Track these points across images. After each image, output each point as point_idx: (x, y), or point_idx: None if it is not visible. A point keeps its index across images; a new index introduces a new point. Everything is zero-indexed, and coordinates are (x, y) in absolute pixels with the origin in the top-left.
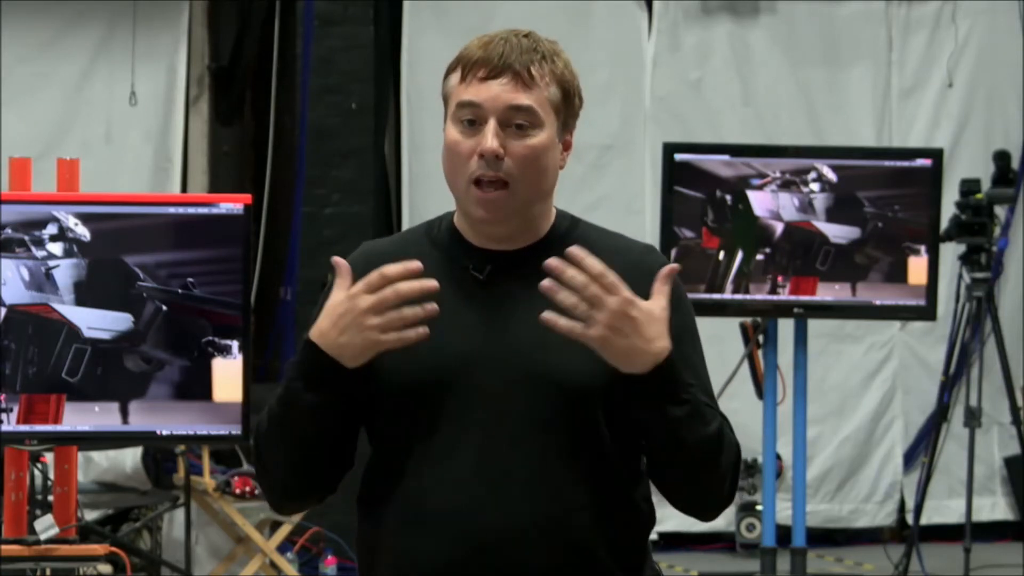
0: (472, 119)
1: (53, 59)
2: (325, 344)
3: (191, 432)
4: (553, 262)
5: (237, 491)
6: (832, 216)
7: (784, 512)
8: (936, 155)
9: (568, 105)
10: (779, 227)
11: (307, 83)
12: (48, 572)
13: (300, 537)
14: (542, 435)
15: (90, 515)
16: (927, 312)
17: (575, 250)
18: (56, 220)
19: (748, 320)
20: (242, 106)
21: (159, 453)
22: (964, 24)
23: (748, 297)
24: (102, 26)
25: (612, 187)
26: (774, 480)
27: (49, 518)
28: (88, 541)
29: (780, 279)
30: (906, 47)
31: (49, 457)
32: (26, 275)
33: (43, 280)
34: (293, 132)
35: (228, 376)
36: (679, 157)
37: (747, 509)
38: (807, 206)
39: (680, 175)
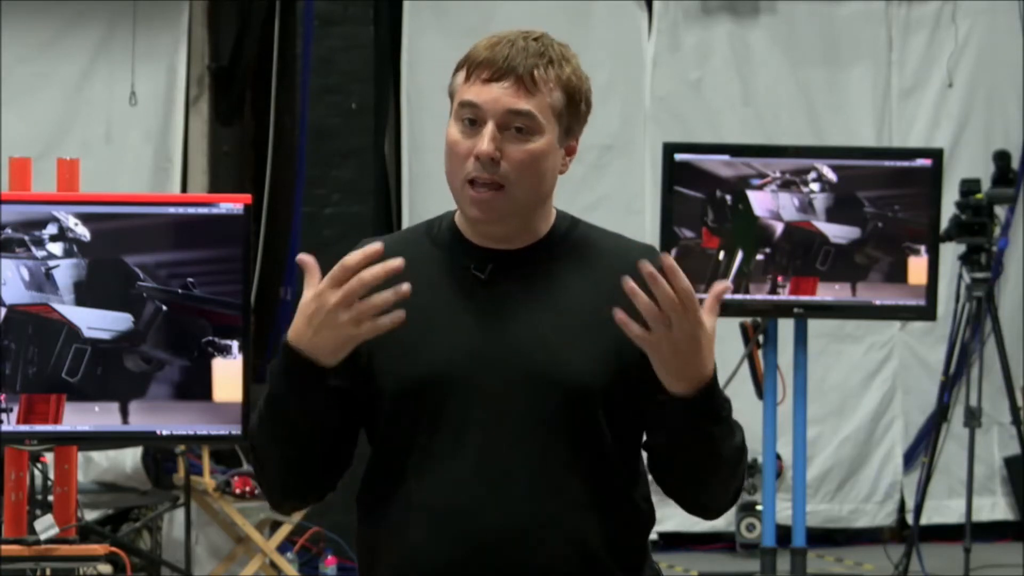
0: (472, 119)
1: (53, 59)
2: (301, 344)
3: (191, 432)
4: (650, 269)
5: (237, 491)
6: (832, 216)
7: (784, 512)
8: (936, 155)
9: (573, 111)
10: (779, 227)
11: (307, 83)
12: (48, 572)
13: (300, 537)
14: (542, 435)
15: (90, 515)
16: (927, 312)
17: (671, 262)
18: (56, 220)
19: (748, 320)
20: (242, 106)
21: (159, 453)
22: (964, 24)
23: (748, 297)
24: (102, 26)
25: (612, 187)
26: (774, 480)
27: (49, 518)
28: (88, 541)
29: (780, 279)
30: (906, 47)
31: (49, 457)
32: (26, 275)
33: (43, 280)
34: (293, 132)
35: (228, 376)
36: (679, 157)
37: (747, 509)
38: (807, 206)
39: (680, 175)
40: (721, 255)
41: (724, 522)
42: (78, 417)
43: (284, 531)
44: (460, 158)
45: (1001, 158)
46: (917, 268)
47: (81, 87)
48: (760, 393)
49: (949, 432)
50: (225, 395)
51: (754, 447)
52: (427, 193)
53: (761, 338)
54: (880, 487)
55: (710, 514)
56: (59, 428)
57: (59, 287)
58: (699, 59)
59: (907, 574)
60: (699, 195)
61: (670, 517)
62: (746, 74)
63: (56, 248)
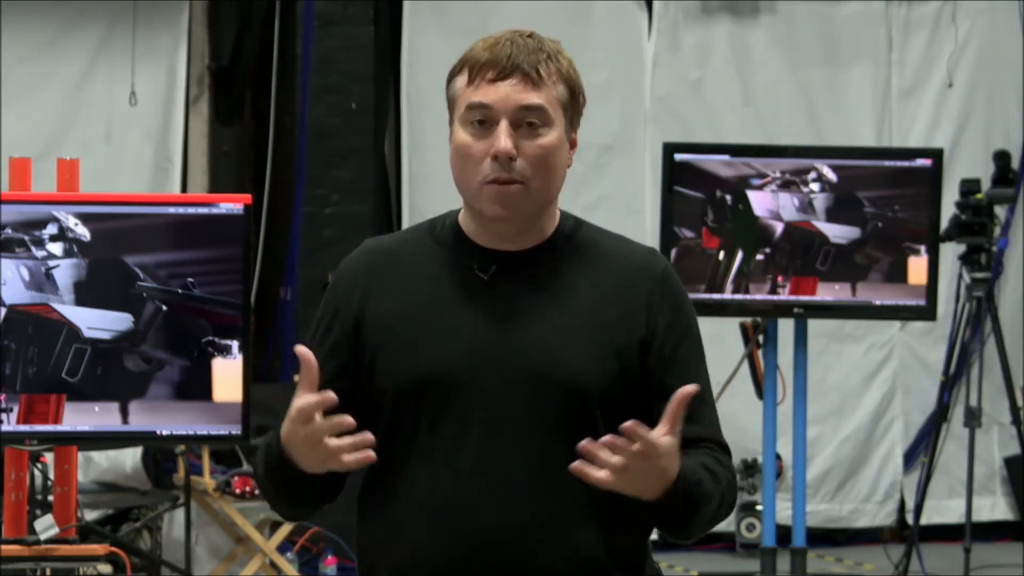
0: (483, 120)
1: (53, 59)
2: (288, 447)
3: (191, 432)
4: (627, 427)
5: (237, 491)
6: (832, 216)
7: (784, 512)
8: (936, 155)
9: (574, 103)
10: (779, 227)
11: (307, 83)
12: (48, 572)
13: (300, 537)
14: (543, 435)
15: (90, 515)
16: (927, 312)
17: (630, 425)
18: (56, 220)
19: (748, 320)
20: (242, 106)
21: (159, 453)
22: (964, 24)
23: (748, 297)
24: (102, 26)
25: (612, 187)
26: (774, 480)
27: (49, 518)
28: (88, 541)
29: (780, 279)
30: (906, 47)
31: (49, 457)
32: (26, 275)
33: (43, 280)
34: (293, 132)
35: (228, 376)
36: (679, 157)
37: (747, 509)
38: (807, 206)
39: (680, 175)
40: (721, 255)
41: (724, 522)
42: (78, 417)
43: (284, 531)
44: (475, 160)
45: (1001, 158)
46: (917, 268)
47: (81, 87)
48: (760, 393)
49: (949, 432)
50: (225, 395)
51: (754, 447)
52: (427, 193)
53: (761, 338)
54: (880, 487)
55: (689, 540)
56: (59, 428)
57: (59, 287)
58: (699, 59)
59: (907, 574)
60: (699, 195)
61: None
62: (746, 74)
63: (56, 248)
